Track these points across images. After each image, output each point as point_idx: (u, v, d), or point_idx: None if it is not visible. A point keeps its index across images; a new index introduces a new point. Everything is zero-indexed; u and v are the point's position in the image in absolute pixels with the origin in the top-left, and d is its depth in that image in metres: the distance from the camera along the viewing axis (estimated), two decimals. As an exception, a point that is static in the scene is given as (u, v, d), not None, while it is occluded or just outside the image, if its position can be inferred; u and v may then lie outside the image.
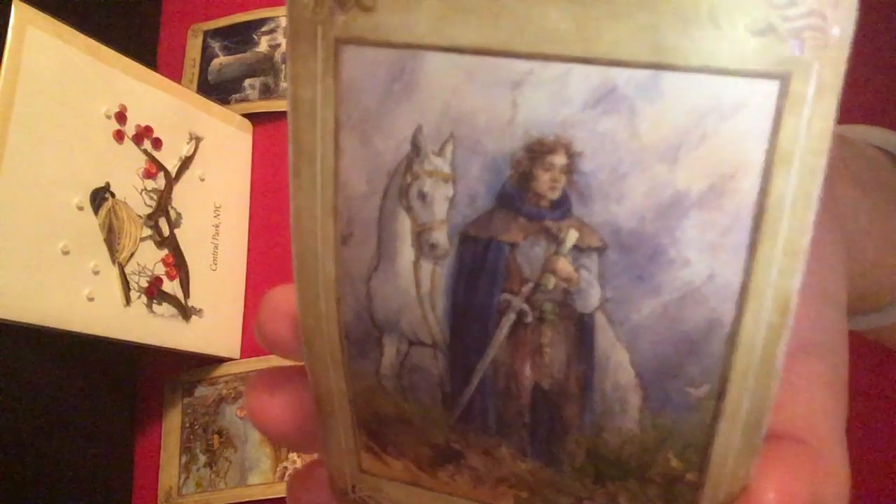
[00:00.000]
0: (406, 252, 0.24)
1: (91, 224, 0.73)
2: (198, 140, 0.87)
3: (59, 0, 0.72)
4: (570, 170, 0.22)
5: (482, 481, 0.27)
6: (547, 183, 0.22)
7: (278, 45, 0.97)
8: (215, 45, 0.99)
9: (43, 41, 0.69)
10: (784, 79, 0.20)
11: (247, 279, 0.92)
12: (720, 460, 0.24)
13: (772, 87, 0.20)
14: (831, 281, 0.29)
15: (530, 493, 0.26)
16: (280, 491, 0.82)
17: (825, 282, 0.28)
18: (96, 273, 0.73)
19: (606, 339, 0.23)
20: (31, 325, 0.67)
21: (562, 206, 0.22)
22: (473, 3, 0.21)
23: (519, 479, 0.26)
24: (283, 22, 0.96)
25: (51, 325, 0.68)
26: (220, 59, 0.98)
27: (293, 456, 0.83)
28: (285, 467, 0.83)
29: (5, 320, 0.64)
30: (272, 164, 0.94)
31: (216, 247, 0.88)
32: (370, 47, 0.22)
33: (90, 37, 0.74)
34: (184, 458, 0.86)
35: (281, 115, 0.94)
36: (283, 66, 0.96)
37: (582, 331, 0.23)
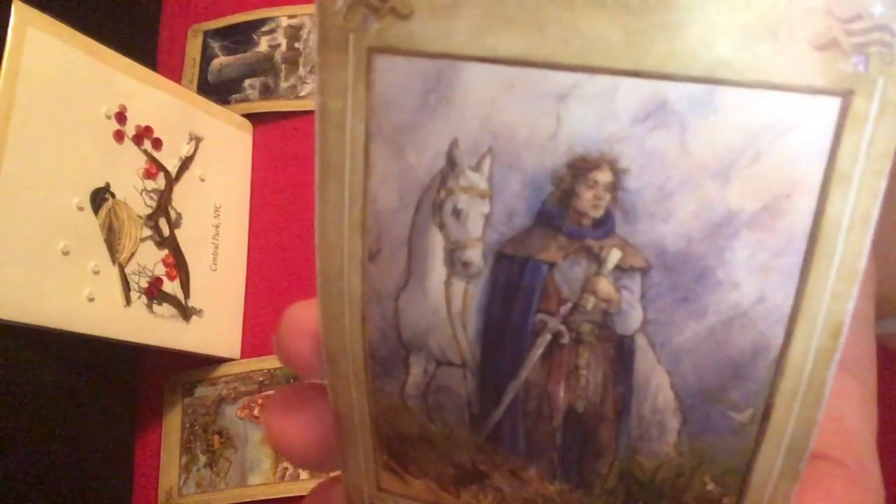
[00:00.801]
0: (437, 270, 0.23)
1: (91, 224, 0.73)
2: (198, 140, 0.86)
3: (59, 0, 0.72)
4: (614, 187, 0.21)
5: (507, 503, 0.26)
6: (590, 201, 0.21)
7: (278, 45, 0.96)
8: (215, 45, 0.98)
9: (43, 41, 0.69)
10: (846, 96, 0.19)
11: (247, 279, 0.91)
12: (759, 485, 0.23)
13: (832, 105, 0.20)
14: (861, 296, 0.28)
15: None
16: (281, 491, 0.81)
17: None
18: (96, 273, 0.73)
19: (647, 361, 0.22)
20: (31, 325, 0.66)
21: (605, 225, 0.21)
22: (516, 12, 0.20)
23: (546, 501, 0.25)
24: (284, 22, 0.96)
25: (51, 325, 0.68)
26: (220, 60, 0.97)
27: (294, 457, 0.82)
28: (286, 468, 0.82)
29: (5, 320, 0.64)
30: (272, 165, 0.94)
31: (216, 247, 0.88)
32: (405, 57, 0.22)
33: (90, 37, 0.73)
34: (184, 459, 0.85)
35: (281, 115, 0.94)
36: (284, 66, 0.95)
37: (621, 353, 0.23)
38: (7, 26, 0.66)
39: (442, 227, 0.23)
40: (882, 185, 0.20)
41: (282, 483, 0.82)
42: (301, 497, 0.81)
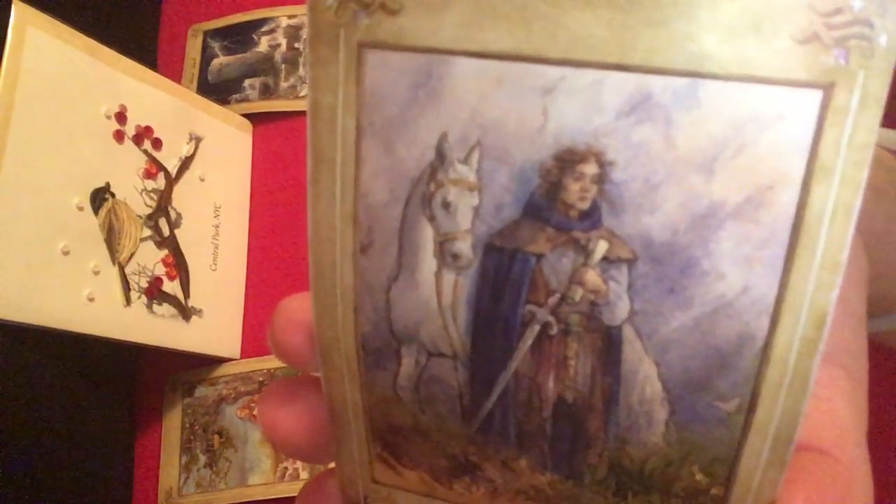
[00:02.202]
0: (428, 262, 0.23)
1: (91, 224, 0.73)
2: (198, 140, 0.86)
3: (59, 0, 0.72)
4: (601, 179, 0.21)
5: (499, 493, 0.26)
6: (577, 193, 0.21)
7: (278, 45, 0.96)
8: (215, 45, 0.98)
9: (43, 41, 0.69)
10: (827, 89, 0.20)
11: (247, 279, 0.91)
12: (747, 475, 0.23)
13: (814, 98, 0.20)
14: (852, 291, 0.28)
15: None
16: (281, 491, 0.81)
17: (846, 292, 0.28)
18: (96, 273, 0.73)
19: (634, 352, 0.23)
20: (31, 325, 0.66)
21: (591, 217, 0.22)
22: (504, 8, 0.21)
23: (537, 492, 0.26)
24: (284, 22, 0.96)
25: (51, 325, 0.68)
26: (220, 59, 0.97)
27: (294, 457, 0.82)
28: (286, 468, 0.82)
29: (5, 320, 0.64)
30: (272, 164, 0.94)
31: (216, 247, 0.88)
32: (394, 52, 0.22)
33: (90, 37, 0.74)
34: (184, 459, 0.85)
35: (281, 116, 0.94)
36: (284, 66, 0.95)
37: (609, 343, 0.23)
38: (7, 26, 0.66)
39: (432, 219, 0.23)
40: (863, 176, 0.20)
41: (282, 483, 0.82)
42: (301, 497, 0.81)
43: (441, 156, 0.22)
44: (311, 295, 0.25)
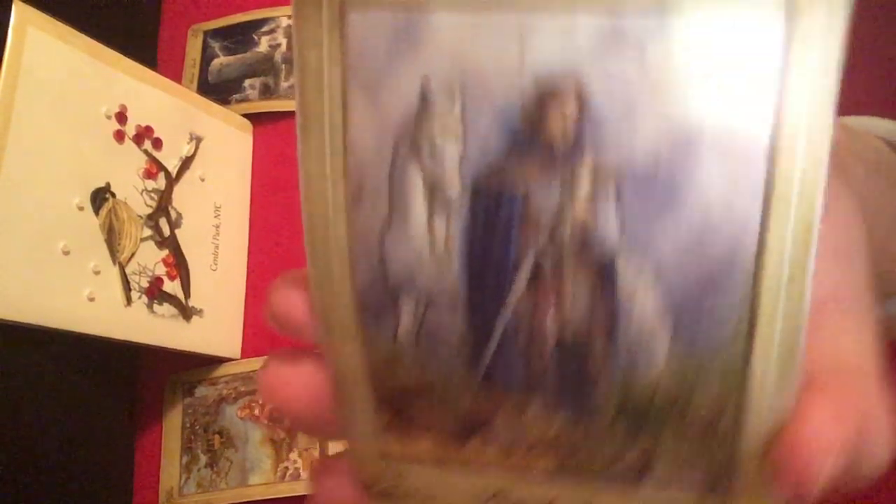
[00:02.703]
0: (419, 209, 0.24)
1: (91, 224, 0.73)
2: (198, 140, 0.86)
3: (59, 0, 0.72)
4: (581, 112, 0.22)
5: (512, 451, 0.26)
6: (559, 128, 0.22)
7: (278, 45, 0.97)
8: (215, 45, 0.99)
9: (43, 41, 0.69)
10: (791, 13, 0.20)
11: (247, 279, 0.91)
12: (758, 393, 0.23)
13: (779, 21, 0.20)
14: (852, 241, 0.28)
15: (562, 458, 0.26)
16: (281, 491, 0.81)
17: (846, 242, 0.28)
18: (97, 273, 0.73)
19: (628, 282, 0.23)
20: (31, 325, 0.66)
21: (575, 150, 0.22)
22: None
23: (549, 446, 0.26)
24: (284, 22, 0.97)
25: (51, 325, 0.68)
26: (221, 60, 0.98)
27: (294, 456, 0.82)
28: (286, 467, 0.82)
29: (5, 320, 0.64)
30: (272, 164, 0.94)
31: (216, 247, 0.88)
32: (376, 10, 0.22)
33: (90, 37, 0.74)
34: (184, 459, 0.85)
35: (281, 115, 0.94)
36: (284, 66, 0.96)
37: (603, 276, 0.23)
38: (7, 26, 0.66)
39: (420, 166, 0.23)
40: (832, 98, 0.21)
41: (282, 483, 0.82)
42: (302, 497, 0.81)
43: (425, 102, 0.23)
44: (306, 254, 0.25)
